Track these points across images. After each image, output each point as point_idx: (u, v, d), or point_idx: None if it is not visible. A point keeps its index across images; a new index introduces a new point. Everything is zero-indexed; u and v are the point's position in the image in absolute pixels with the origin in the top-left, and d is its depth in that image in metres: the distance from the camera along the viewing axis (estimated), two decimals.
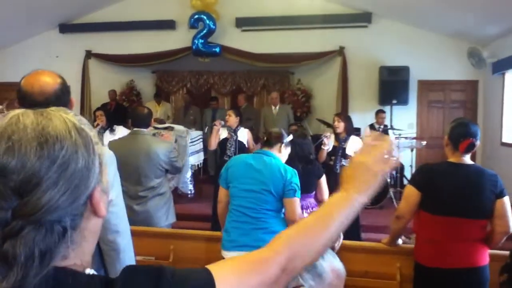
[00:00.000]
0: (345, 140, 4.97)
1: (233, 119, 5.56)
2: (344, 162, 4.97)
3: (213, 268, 0.83)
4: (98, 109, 6.52)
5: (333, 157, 4.97)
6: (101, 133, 5.83)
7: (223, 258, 2.86)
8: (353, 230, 4.98)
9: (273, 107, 8.66)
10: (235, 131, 5.54)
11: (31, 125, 0.68)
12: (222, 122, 5.59)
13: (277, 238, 0.95)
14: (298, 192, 2.87)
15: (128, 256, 1.85)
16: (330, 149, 4.97)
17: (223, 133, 5.55)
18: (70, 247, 0.70)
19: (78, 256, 0.73)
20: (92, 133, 0.75)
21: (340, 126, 4.98)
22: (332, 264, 1.30)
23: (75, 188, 0.68)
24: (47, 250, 0.65)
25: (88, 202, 0.73)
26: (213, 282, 0.80)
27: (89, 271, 0.76)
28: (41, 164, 0.66)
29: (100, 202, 0.75)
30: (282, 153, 3.08)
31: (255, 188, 2.86)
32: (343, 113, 5.33)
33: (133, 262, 1.91)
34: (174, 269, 0.80)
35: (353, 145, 5.01)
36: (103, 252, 1.80)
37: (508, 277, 2.21)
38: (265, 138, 3.13)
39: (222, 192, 3.07)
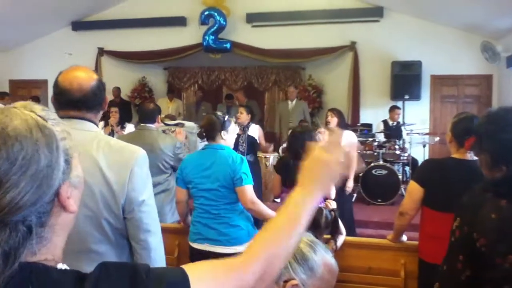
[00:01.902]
0: None
1: (244, 116, 5.59)
2: None
3: (189, 268, 0.83)
4: (111, 106, 6.55)
5: None
6: (113, 130, 5.89)
7: (189, 247, 3.00)
8: (348, 225, 4.96)
9: (289, 102, 8.62)
10: (246, 127, 5.58)
11: None
12: (234, 119, 5.61)
13: (252, 243, 0.95)
14: (248, 180, 2.85)
15: (159, 255, 1.85)
16: None
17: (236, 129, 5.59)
18: (40, 243, 0.70)
19: (50, 251, 0.73)
20: (59, 128, 0.74)
21: (333, 121, 4.99)
22: (324, 258, 1.30)
23: (38, 188, 0.68)
24: (11, 250, 0.64)
25: (56, 199, 0.72)
26: (188, 282, 0.79)
27: (61, 266, 0.76)
28: (0, 165, 0.65)
29: (69, 199, 0.74)
30: (226, 139, 3.03)
31: (210, 186, 2.88)
32: (337, 109, 5.31)
33: (163, 261, 1.92)
34: (148, 267, 0.80)
35: (346, 139, 4.98)
36: (134, 251, 1.80)
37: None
38: (203, 133, 3.09)
39: (180, 192, 3.09)
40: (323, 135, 4.91)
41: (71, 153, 0.75)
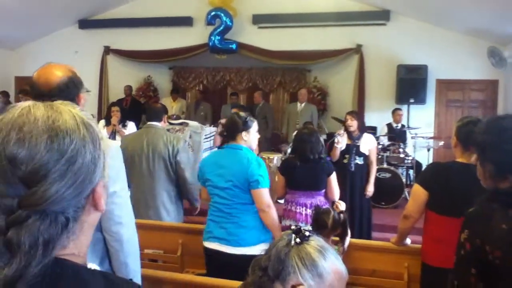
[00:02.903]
0: (359, 138, 4.94)
1: None
2: (358, 160, 4.93)
3: None
4: (113, 104, 6.57)
5: (347, 156, 4.94)
6: (115, 129, 5.90)
7: (203, 247, 2.98)
8: (365, 229, 4.96)
9: (299, 104, 8.60)
10: None
11: (41, 118, 0.69)
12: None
13: None
14: (264, 182, 2.83)
15: (132, 247, 1.87)
16: (344, 147, 4.94)
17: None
18: (70, 238, 0.72)
19: (77, 247, 0.75)
20: (97, 128, 0.77)
21: (354, 124, 4.94)
22: (334, 265, 1.27)
23: (81, 182, 0.70)
24: (50, 239, 0.67)
25: (91, 196, 0.75)
26: None
27: (91, 265, 0.79)
28: (50, 156, 0.67)
29: (102, 197, 0.77)
30: (247, 140, 2.98)
31: (224, 185, 2.88)
32: (356, 111, 5.28)
33: (137, 253, 1.94)
34: None
35: (366, 142, 4.97)
36: (107, 243, 1.83)
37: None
38: (224, 133, 3.06)
39: (203, 191, 3.15)
40: (342, 137, 4.91)
41: (106, 154, 0.79)
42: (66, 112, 0.72)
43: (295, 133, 3.98)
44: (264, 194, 2.83)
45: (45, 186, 0.66)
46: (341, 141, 4.92)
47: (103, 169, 0.77)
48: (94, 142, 0.73)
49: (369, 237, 4.86)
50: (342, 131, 5.04)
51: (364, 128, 5.12)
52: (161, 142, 3.72)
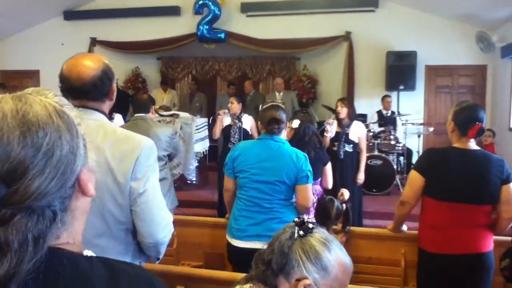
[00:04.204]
0: (348, 125, 4.95)
1: (235, 106, 5.52)
2: (347, 147, 4.94)
3: None
4: None
5: (336, 143, 4.94)
6: None
7: (229, 244, 2.80)
8: (356, 217, 4.97)
9: (277, 93, 8.65)
10: (239, 118, 5.51)
11: (10, 113, 0.66)
12: (226, 111, 5.58)
13: None
14: (311, 178, 2.76)
15: (164, 246, 1.81)
16: (333, 135, 4.94)
17: (227, 120, 5.52)
18: (62, 227, 0.70)
19: (71, 235, 0.74)
20: (74, 113, 0.74)
21: (343, 111, 4.94)
22: (338, 257, 1.24)
23: (62, 174, 0.68)
24: (40, 234, 0.65)
25: (76, 183, 0.73)
26: None
27: (87, 252, 0.77)
28: (26, 152, 0.64)
29: (88, 182, 0.74)
30: (283, 136, 2.92)
31: (268, 179, 2.72)
32: (347, 98, 5.26)
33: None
34: None
35: (356, 130, 4.97)
36: (142, 244, 1.75)
37: (510, 262, 2.17)
38: (273, 125, 2.83)
39: (228, 182, 2.91)
40: (331, 126, 4.89)
41: (85, 137, 0.76)
42: (37, 102, 0.68)
43: (292, 125, 3.81)
44: (310, 190, 2.78)
45: (26, 183, 0.64)
46: (331, 130, 4.92)
47: (86, 155, 0.74)
48: (71, 130, 0.70)
49: (360, 224, 4.88)
50: (331, 120, 5.04)
51: (354, 116, 5.11)
52: (152, 132, 3.69)
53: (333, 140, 4.96)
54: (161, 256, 1.87)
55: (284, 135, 2.91)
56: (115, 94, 1.79)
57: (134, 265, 0.81)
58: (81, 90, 1.63)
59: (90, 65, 1.67)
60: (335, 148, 4.94)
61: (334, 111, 5.25)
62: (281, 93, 8.62)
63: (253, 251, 2.66)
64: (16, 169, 0.64)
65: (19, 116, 0.66)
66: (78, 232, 0.76)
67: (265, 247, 1.27)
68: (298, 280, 1.21)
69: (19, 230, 0.63)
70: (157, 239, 1.71)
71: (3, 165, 0.63)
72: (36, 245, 0.64)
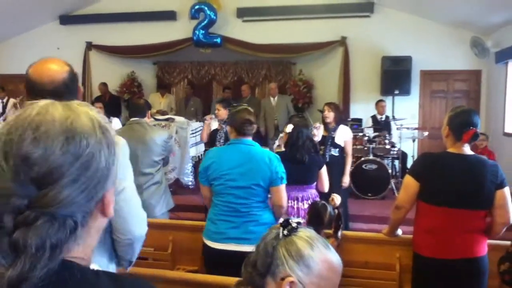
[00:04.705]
0: (334, 129, 4.98)
1: (222, 112, 5.54)
2: (333, 151, 4.97)
3: None
4: (96, 100, 6.54)
5: (322, 147, 4.96)
6: None
7: (207, 246, 2.84)
8: (343, 220, 4.98)
9: (271, 98, 8.68)
10: (225, 123, 5.54)
11: (59, 119, 0.68)
12: (213, 116, 5.62)
13: None
14: (285, 179, 2.83)
15: (140, 244, 1.83)
16: (319, 139, 4.96)
17: (214, 124, 5.56)
18: (77, 242, 0.70)
19: (83, 251, 0.74)
20: (112, 132, 0.75)
21: (330, 115, 4.98)
22: (323, 255, 1.24)
23: (94, 187, 0.69)
24: (58, 243, 0.65)
25: (101, 201, 0.73)
26: None
27: (94, 266, 0.77)
28: (65, 159, 0.66)
29: (111, 204, 0.75)
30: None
31: (244, 184, 2.76)
32: (333, 103, 5.30)
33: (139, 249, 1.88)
34: None
35: (342, 134, 5.00)
36: (116, 243, 1.76)
37: (509, 266, 2.18)
38: (239, 127, 2.86)
39: (204, 189, 2.95)
40: (318, 130, 4.91)
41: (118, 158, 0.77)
42: (84, 113, 0.71)
43: (286, 129, 3.82)
44: (284, 190, 2.84)
45: (57, 189, 0.65)
46: (317, 134, 4.94)
47: (116, 175, 0.75)
48: (110, 147, 0.72)
49: (346, 228, 4.89)
50: (318, 124, 5.07)
51: (340, 120, 5.15)
52: (148, 136, 3.74)
53: (319, 144, 4.98)
54: (134, 260, 1.85)
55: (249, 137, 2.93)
56: (81, 94, 1.81)
57: (138, 278, 0.81)
58: (54, 92, 1.64)
59: (58, 67, 1.70)
60: (321, 152, 4.96)
61: None
62: (276, 98, 8.64)
63: (233, 253, 2.71)
64: (52, 174, 0.65)
65: (67, 123, 0.68)
66: (90, 248, 0.76)
67: (248, 249, 1.28)
68: (282, 278, 1.21)
69: (39, 235, 0.63)
70: (135, 234, 1.75)
71: (40, 168, 0.64)
72: (53, 253, 0.64)
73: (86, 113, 0.71)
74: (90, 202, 0.69)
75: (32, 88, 1.67)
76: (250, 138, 2.89)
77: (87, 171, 0.67)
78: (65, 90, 1.66)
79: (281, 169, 2.80)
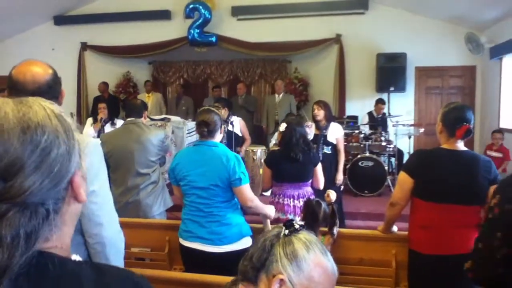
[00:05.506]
0: (326, 127, 4.98)
1: (221, 112, 5.56)
2: (326, 149, 4.97)
3: None
4: (100, 101, 6.48)
5: (314, 145, 4.96)
6: (103, 126, 5.80)
7: (180, 244, 2.93)
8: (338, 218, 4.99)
9: (276, 96, 8.64)
10: (227, 122, 5.54)
11: (12, 112, 0.69)
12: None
13: None
14: (246, 179, 2.81)
15: (114, 248, 1.79)
16: (312, 137, 4.96)
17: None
18: (52, 230, 0.72)
19: (59, 239, 0.75)
20: (70, 120, 0.77)
21: (320, 113, 4.97)
22: (317, 259, 1.25)
23: (57, 172, 0.70)
24: (32, 231, 0.67)
25: (69, 187, 0.75)
26: None
27: (75, 257, 0.79)
28: (24, 149, 0.67)
29: (81, 187, 0.76)
30: (218, 139, 2.95)
31: (204, 184, 2.81)
32: (323, 101, 5.29)
33: (120, 256, 1.86)
34: None
35: (333, 131, 5.00)
36: (88, 246, 1.75)
37: (472, 264, 2.09)
38: (203, 128, 2.87)
39: (175, 189, 3.08)
40: (310, 129, 4.91)
41: (81, 144, 0.78)
42: (36, 104, 0.72)
43: (281, 128, 3.83)
44: (247, 191, 2.83)
45: (22, 179, 0.66)
46: (309, 132, 4.94)
47: (80, 160, 0.77)
48: (67, 132, 0.73)
49: (342, 225, 4.91)
50: (310, 123, 5.07)
51: (331, 118, 5.15)
52: (144, 136, 3.74)
53: (312, 142, 4.98)
54: (106, 259, 1.79)
55: (219, 138, 2.95)
56: (63, 98, 1.81)
57: (122, 268, 0.82)
58: (37, 92, 1.63)
59: (41, 69, 1.71)
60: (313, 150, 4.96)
61: None
62: (281, 95, 8.60)
63: (199, 252, 2.78)
64: (14, 164, 0.66)
65: (20, 114, 0.69)
66: (66, 237, 0.77)
67: (211, 250, 1.28)
68: (274, 275, 1.23)
69: (12, 225, 0.65)
70: (103, 240, 1.73)
71: (1, 160, 0.66)
72: (28, 241, 0.66)
73: (39, 104, 0.73)
74: (57, 187, 0.71)
75: (13, 87, 1.68)
76: (214, 139, 2.89)
77: (48, 157, 0.69)
78: (47, 91, 1.66)
79: (239, 170, 2.77)
